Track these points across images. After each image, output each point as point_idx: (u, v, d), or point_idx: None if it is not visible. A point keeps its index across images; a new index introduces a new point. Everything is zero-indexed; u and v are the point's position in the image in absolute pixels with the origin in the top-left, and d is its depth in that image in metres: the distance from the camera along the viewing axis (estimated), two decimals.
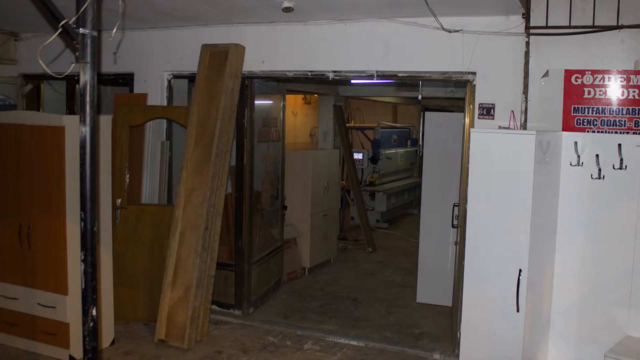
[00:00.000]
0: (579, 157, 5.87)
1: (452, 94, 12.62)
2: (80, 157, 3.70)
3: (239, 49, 8.11)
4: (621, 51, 6.38)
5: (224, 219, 8.40)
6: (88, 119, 3.67)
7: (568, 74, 6.51)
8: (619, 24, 6.30)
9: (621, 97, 6.32)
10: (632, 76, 6.27)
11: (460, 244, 7.20)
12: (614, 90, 6.34)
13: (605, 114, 6.39)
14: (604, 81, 6.38)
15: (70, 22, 3.64)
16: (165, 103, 8.92)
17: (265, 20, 7.95)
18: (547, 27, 6.61)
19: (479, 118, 7.09)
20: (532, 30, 6.69)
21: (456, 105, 15.84)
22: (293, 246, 11.04)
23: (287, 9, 7.01)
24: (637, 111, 6.27)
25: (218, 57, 8.09)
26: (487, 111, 7.04)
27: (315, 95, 14.55)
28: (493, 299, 5.70)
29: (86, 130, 3.67)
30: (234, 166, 8.65)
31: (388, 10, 7.10)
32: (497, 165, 5.67)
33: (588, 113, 6.45)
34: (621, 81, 6.31)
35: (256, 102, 8.80)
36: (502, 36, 6.90)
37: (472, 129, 5.99)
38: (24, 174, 7.05)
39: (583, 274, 5.97)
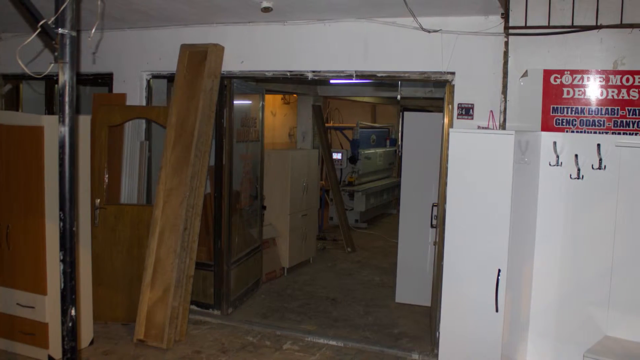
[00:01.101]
0: (558, 157, 5.91)
1: (431, 94, 12.64)
2: (59, 157, 3.69)
3: (218, 49, 8.11)
4: (600, 51, 6.39)
5: (203, 219, 8.40)
6: (67, 119, 3.66)
7: (547, 74, 6.56)
8: (598, 23, 6.32)
9: (600, 97, 6.37)
10: (611, 76, 6.32)
11: (439, 244, 7.24)
12: (593, 90, 6.39)
13: (584, 114, 6.44)
14: (582, 81, 6.43)
15: (49, 22, 3.62)
16: (144, 103, 8.90)
17: (244, 20, 7.94)
18: (526, 27, 6.62)
19: (457, 118, 7.10)
20: (511, 30, 6.69)
21: (435, 105, 15.93)
22: (272, 246, 11.03)
23: (266, 9, 7.01)
24: (616, 111, 6.32)
25: (197, 57, 8.08)
26: (466, 111, 7.06)
27: (294, 95, 14.55)
28: (472, 299, 5.69)
29: (65, 130, 3.66)
30: (213, 166, 8.64)
31: (367, 10, 7.11)
32: (476, 165, 5.65)
33: (567, 113, 6.50)
34: (600, 81, 6.36)
35: (235, 102, 8.80)
36: (481, 36, 6.93)
37: (451, 129, 5.97)
38: (3, 174, 7.00)
39: (562, 274, 6.03)
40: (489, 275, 5.55)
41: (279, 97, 14.42)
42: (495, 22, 6.88)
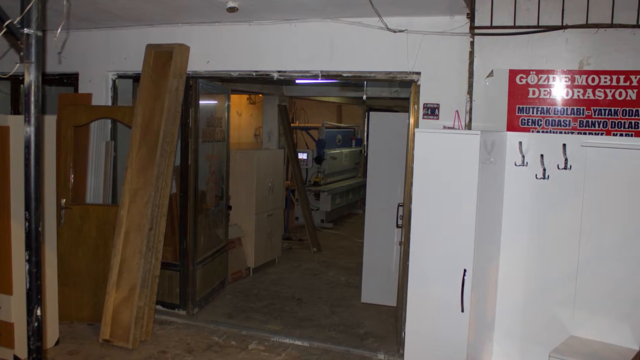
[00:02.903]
0: (523, 157, 5.97)
1: (397, 94, 12.70)
2: (25, 157, 3.67)
3: (184, 49, 8.09)
4: (566, 51, 6.45)
5: (169, 219, 8.38)
6: (33, 119, 3.65)
7: (512, 74, 6.61)
8: (564, 24, 6.37)
9: (566, 97, 6.43)
10: (576, 76, 6.39)
11: (405, 244, 7.27)
12: (559, 90, 6.45)
13: (549, 114, 6.49)
14: (548, 81, 6.49)
15: (15, 22, 3.61)
16: (110, 103, 8.86)
17: (210, 20, 7.93)
18: (491, 27, 6.66)
19: (423, 118, 7.13)
20: (476, 30, 6.73)
21: (401, 105, 15.96)
22: (238, 246, 11.03)
23: (232, 9, 7.01)
24: (581, 111, 6.39)
25: (162, 57, 8.06)
26: (432, 111, 7.10)
27: (260, 95, 14.58)
28: (438, 299, 5.72)
29: (31, 130, 3.64)
30: (178, 166, 8.63)
31: (333, 10, 7.12)
32: (442, 165, 5.68)
33: (533, 113, 6.55)
34: (566, 81, 6.42)
35: (201, 102, 8.80)
36: (447, 36, 6.97)
37: (416, 129, 5.99)
38: None
39: (528, 274, 6.08)
40: (455, 275, 5.59)
41: (244, 97, 14.44)
42: (460, 22, 6.92)
